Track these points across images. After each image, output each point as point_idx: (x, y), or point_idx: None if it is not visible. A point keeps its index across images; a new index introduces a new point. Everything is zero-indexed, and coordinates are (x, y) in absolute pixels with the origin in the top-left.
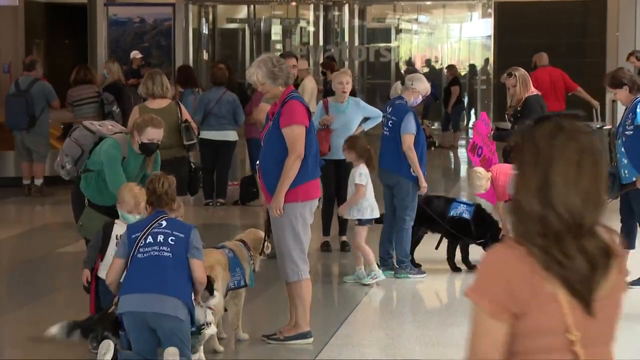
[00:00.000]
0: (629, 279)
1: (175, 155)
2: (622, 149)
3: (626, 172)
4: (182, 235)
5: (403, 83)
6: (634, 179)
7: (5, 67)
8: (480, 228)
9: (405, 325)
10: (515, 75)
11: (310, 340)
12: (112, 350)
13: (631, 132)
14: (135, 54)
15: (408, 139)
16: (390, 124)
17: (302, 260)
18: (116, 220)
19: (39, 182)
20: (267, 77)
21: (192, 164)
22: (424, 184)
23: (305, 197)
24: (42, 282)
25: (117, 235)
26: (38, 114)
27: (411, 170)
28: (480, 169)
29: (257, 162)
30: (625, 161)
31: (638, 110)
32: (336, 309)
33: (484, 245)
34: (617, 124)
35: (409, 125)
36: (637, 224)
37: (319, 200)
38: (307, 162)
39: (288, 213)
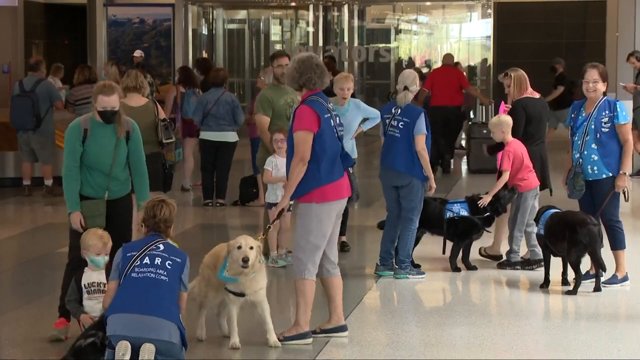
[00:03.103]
0: (604, 278)
1: (151, 151)
2: (593, 146)
3: (594, 168)
4: (178, 260)
5: (405, 88)
6: (604, 176)
7: (5, 67)
8: (479, 213)
9: (405, 325)
10: (511, 75)
11: (310, 340)
12: (130, 350)
13: (607, 129)
14: (140, 54)
15: (421, 140)
16: (402, 125)
17: (311, 261)
18: (85, 269)
19: (49, 182)
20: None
21: (165, 160)
22: (434, 184)
23: (321, 199)
24: (42, 282)
25: (85, 284)
26: (43, 115)
27: (423, 170)
28: (504, 116)
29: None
30: (595, 157)
31: (619, 110)
32: None
33: (491, 219)
34: (578, 120)
35: (421, 126)
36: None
37: (347, 200)
38: (319, 166)
39: (303, 213)
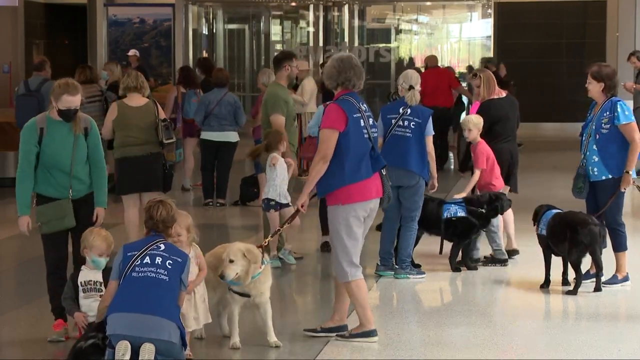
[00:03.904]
0: (604, 278)
1: (151, 151)
2: (594, 147)
3: (595, 170)
4: (179, 260)
5: (411, 87)
6: (603, 177)
7: (5, 67)
8: (477, 213)
9: (405, 325)
10: (480, 76)
11: (375, 338)
12: (130, 350)
13: (607, 130)
14: (133, 53)
15: (431, 141)
16: (413, 125)
17: (347, 262)
18: (82, 267)
19: None
20: (326, 72)
21: (165, 160)
22: (436, 183)
23: (346, 200)
24: (42, 282)
25: (81, 282)
26: None
27: (428, 171)
28: (475, 117)
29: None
30: (596, 159)
31: (619, 111)
32: None
33: (488, 219)
34: (586, 122)
35: (430, 127)
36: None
37: (380, 200)
38: (344, 165)
39: (331, 216)
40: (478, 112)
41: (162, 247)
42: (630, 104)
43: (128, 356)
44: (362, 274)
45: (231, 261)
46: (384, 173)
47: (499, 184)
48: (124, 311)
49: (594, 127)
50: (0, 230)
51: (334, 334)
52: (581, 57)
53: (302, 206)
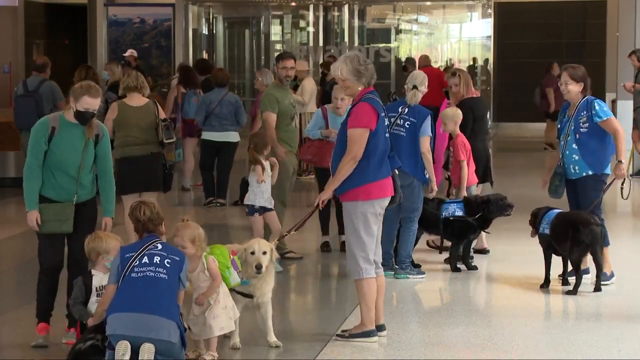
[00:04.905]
0: (591, 276)
1: (151, 151)
2: (574, 145)
3: (576, 167)
4: (177, 258)
5: (414, 87)
6: (584, 174)
7: (5, 68)
8: (475, 213)
9: (405, 325)
10: (459, 75)
11: (375, 339)
12: (129, 350)
13: (586, 129)
14: (130, 53)
15: (426, 142)
16: (408, 125)
17: (363, 259)
18: (93, 272)
19: None
20: (351, 73)
21: (165, 160)
22: (435, 187)
23: (366, 196)
24: None
25: (97, 287)
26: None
27: (425, 172)
28: (450, 109)
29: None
30: (577, 157)
31: (597, 108)
32: (336, 309)
33: (487, 220)
34: (563, 121)
35: (427, 128)
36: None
37: (391, 199)
38: (369, 163)
39: (349, 211)
40: (460, 108)
41: (159, 246)
42: (629, 103)
43: (128, 356)
44: (374, 272)
45: (264, 253)
46: (397, 173)
47: (472, 180)
48: (124, 311)
49: (572, 127)
50: (0, 230)
51: (361, 339)
52: (581, 57)
53: (322, 202)
